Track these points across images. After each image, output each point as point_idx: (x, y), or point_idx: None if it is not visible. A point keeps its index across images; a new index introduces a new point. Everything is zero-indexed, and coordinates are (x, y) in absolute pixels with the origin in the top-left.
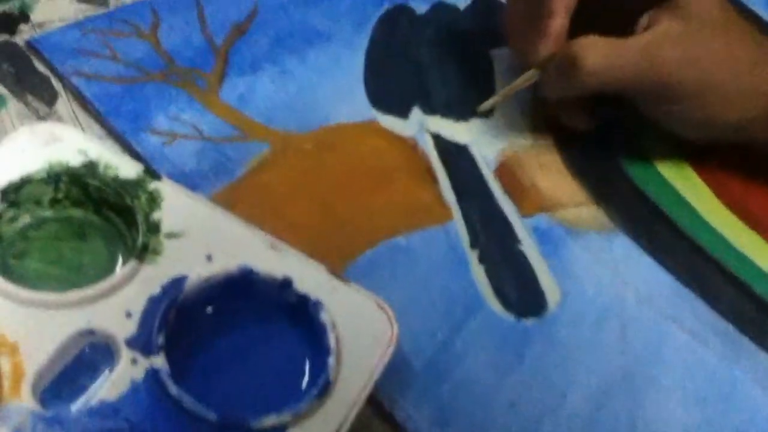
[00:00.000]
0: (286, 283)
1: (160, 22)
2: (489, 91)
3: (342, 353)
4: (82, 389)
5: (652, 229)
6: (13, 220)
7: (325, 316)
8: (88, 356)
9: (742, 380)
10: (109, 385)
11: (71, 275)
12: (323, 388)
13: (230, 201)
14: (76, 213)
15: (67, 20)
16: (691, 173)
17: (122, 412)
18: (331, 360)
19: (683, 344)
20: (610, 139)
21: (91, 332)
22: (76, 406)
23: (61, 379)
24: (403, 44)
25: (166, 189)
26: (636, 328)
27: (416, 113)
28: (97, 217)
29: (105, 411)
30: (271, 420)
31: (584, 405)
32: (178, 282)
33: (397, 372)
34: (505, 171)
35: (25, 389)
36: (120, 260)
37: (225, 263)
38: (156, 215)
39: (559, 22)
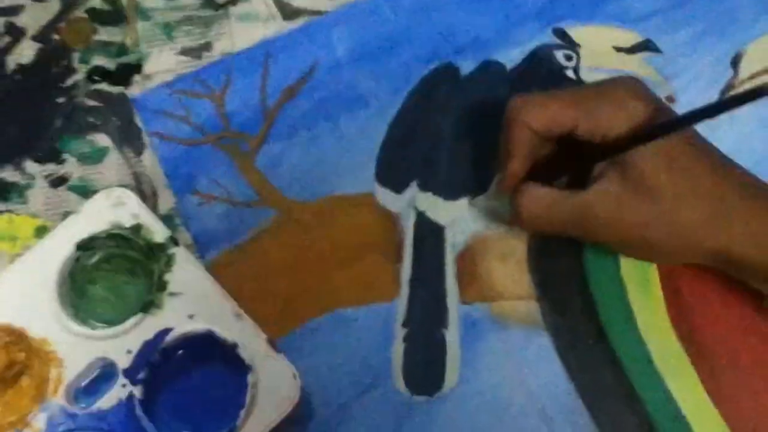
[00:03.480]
0: (233, 346)
1: (231, 83)
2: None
3: (256, 403)
4: (92, 397)
5: (577, 333)
6: (91, 256)
7: (250, 377)
8: (101, 376)
9: None
10: (106, 399)
11: (118, 301)
12: (230, 431)
13: (231, 261)
14: (133, 253)
15: (170, 71)
16: (652, 280)
17: (107, 419)
18: (242, 412)
19: None
20: None
21: (104, 359)
22: (87, 408)
23: (82, 388)
24: (432, 114)
25: (180, 254)
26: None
27: (412, 189)
28: (144, 258)
29: (98, 415)
30: None
31: None
32: (165, 332)
33: (299, 419)
34: (467, 256)
35: (61, 391)
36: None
37: (200, 323)
38: (167, 276)
39: (515, 164)
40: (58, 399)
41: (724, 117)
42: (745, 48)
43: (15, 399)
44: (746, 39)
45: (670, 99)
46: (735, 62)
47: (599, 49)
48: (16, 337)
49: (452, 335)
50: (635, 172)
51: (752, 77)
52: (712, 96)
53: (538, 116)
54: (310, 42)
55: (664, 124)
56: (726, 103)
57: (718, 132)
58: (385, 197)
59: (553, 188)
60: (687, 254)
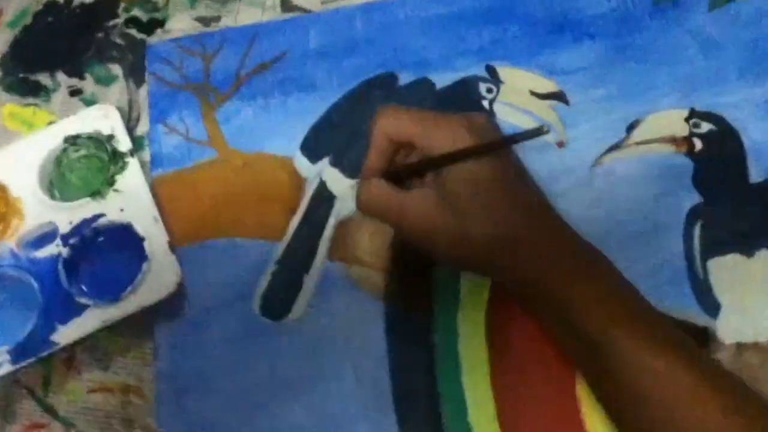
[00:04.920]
0: (142, 239)
1: (221, 49)
2: None
3: (142, 285)
4: (34, 248)
5: (408, 308)
6: (76, 150)
7: (145, 265)
8: (45, 234)
9: None
10: (42, 251)
11: (81, 187)
12: (116, 298)
13: (170, 180)
14: (103, 155)
15: (184, 31)
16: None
17: (39, 265)
18: (130, 287)
19: None
20: None
21: (52, 223)
22: (28, 254)
23: (32, 240)
24: (363, 109)
25: (132, 163)
26: (323, 386)
27: (324, 162)
28: (108, 160)
29: (34, 261)
30: (83, 300)
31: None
32: (99, 216)
33: (173, 311)
34: (345, 224)
35: (16, 237)
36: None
37: (126, 215)
38: (117, 177)
39: (370, 162)
40: (11, 242)
41: None
42: (644, 117)
43: None
44: (650, 110)
45: (560, 144)
46: (631, 127)
47: (517, 90)
48: (1, 190)
49: (310, 280)
50: (446, 186)
51: (638, 144)
52: (598, 150)
53: (389, 124)
54: (291, 33)
55: (466, 150)
56: (516, 137)
57: None
58: (301, 163)
59: (391, 185)
60: (480, 269)
